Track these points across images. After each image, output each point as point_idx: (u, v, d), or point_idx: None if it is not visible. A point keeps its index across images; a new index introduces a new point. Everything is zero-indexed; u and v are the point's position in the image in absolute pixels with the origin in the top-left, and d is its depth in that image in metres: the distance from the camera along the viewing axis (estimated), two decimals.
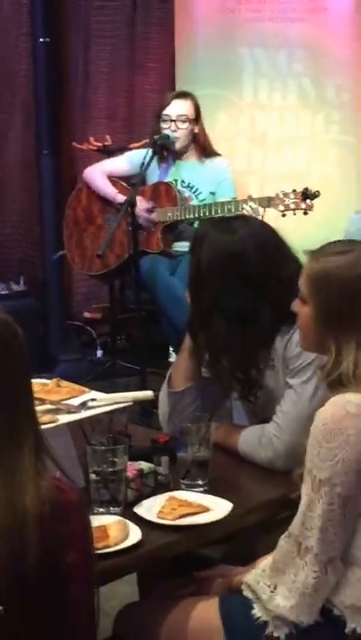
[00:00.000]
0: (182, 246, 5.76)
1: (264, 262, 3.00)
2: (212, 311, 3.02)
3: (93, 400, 2.91)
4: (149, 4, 7.11)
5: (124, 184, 6.01)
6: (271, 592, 2.41)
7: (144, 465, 2.81)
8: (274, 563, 2.42)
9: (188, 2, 6.81)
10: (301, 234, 6.59)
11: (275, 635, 2.40)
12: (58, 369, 6.54)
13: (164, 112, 5.99)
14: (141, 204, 5.81)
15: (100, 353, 6.72)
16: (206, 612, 2.58)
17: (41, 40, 6.91)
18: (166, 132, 5.92)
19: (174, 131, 5.94)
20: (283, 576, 2.39)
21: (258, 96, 6.77)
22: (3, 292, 6.86)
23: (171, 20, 6.88)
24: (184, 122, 5.97)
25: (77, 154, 6.80)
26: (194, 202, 6.00)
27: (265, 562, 2.49)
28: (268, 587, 2.42)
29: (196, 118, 6.04)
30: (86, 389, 3.05)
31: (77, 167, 6.81)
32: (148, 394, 3.05)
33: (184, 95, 6.10)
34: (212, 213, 5.76)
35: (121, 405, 2.91)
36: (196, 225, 5.75)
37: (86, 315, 7.00)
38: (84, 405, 2.87)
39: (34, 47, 6.96)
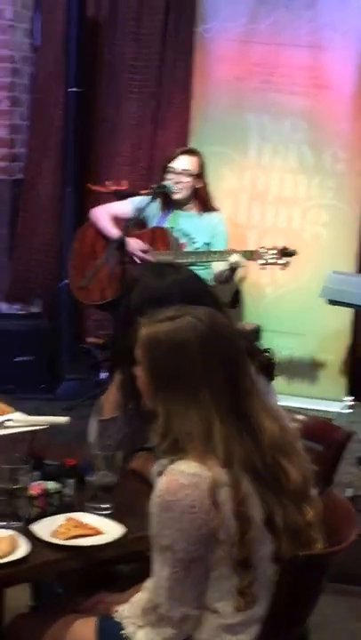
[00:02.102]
0: None
1: None
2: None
3: (10, 421, 2.86)
4: (174, 66, 7.10)
5: None
6: (138, 627, 2.35)
7: (50, 485, 2.74)
8: (142, 607, 2.34)
9: (206, 67, 6.78)
10: (294, 287, 6.58)
11: None
12: (62, 386, 6.57)
13: (170, 164, 5.93)
14: (137, 245, 5.77)
15: (103, 375, 6.68)
16: (85, 629, 2.51)
17: (74, 90, 6.88)
18: (168, 182, 5.86)
19: (177, 183, 5.88)
20: (147, 620, 2.32)
21: (261, 158, 6.73)
22: (20, 312, 6.88)
23: (190, 82, 6.86)
24: (187, 176, 5.90)
25: (99, 194, 6.76)
26: (188, 249, 5.92)
27: (137, 597, 2.41)
28: (134, 624, 2.36)
29: (200, 174, 5.97)
30: (11, 410, 3.00)
31: (96, 205, 6.77)
32: (64, 419, 2.99)
33: (191, 152, 6.05)
34: (202, 260, 5.71)
35: (35, 428, 2.86)
36: None
37: (90, 340, 6.97)
38: (0, 425, 2.83)
39: (66, 96, 6.94)
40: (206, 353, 2.33)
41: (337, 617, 4.04)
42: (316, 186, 6.68)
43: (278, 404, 3.08)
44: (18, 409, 3.34)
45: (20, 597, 2.96)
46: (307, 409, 6.19)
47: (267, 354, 3.09)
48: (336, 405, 6.51)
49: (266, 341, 6.14)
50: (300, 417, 3.43)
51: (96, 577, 2.85)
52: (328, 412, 6.37)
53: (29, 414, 3.13)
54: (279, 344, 6.52)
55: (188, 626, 2.28)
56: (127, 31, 7.18)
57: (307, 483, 2.39)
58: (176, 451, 2.30)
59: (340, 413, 6.41)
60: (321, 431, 3.39)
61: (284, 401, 5.89)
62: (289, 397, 6.20)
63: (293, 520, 2.31)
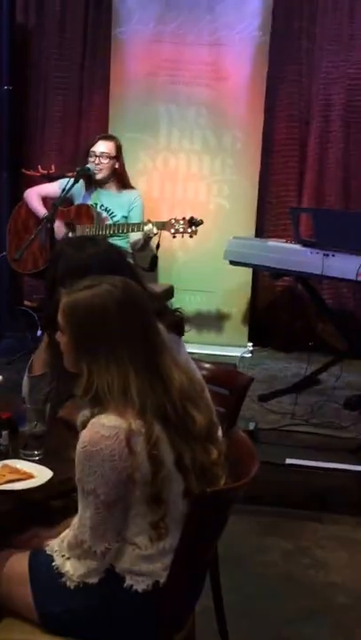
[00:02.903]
0: None
1: None
2: None
3: None
4: (93, 65, 6.89)
5: None
6: (66, 559, 2.25)
7: None
8: (68, 542, 2.24)
9: (121, 65, 6.59)
10: (202, 251, 6.47)
11: (67, 584, 2.23)
12: (2, 343, 6.36)
13: (92, 149, 5.78)
14: (61, 232, 5.58)
15: (39, 333, 6.49)
16: (19, 562, 2.38)
17: (5, 88, 6.62)
18: (90, 165, 5.70)
19: (97, 164, 5.72)
20: (73, 554, 2.23)
21: (170, 141, 6.58)
22: None
23: (108, 78, 6.67)
24: (106, 158, 5.73)
25: (30, 177, 6.53)
26: (109, 222, 5.75)
27: (65, 533, 2.30)
28: (63, 556, 2.26)
29: (117, 156, 5.80)
30: None
31: (29, 187, 6.55)
32: None
33: (108, 137, 5.89)
34: (120, 231, 5.58)
35: None
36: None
37: (27, 303, 6.78)
38: None
39: (0, 93, 6.66)
40: (122, 316, 2.21)
41: (245, 533, 3.99)
42: (218, 164, 6.57)
43: (188, 353, 2.98)
44: None
45: None
46: (215, 354, 6.20)
47: (177, 313, 2.95)
48: (239, 351, 6.47)
49: (178, 299, 6.09)
50: (208, 365, 3.30)
51: (32, 513, 2.71)
52: (233, 356, 6.32)
53: None
54: (190, 300, 6.50)
55: (109, 557, 2.20)
56: (52, 35, 6.96)
57: (212, 426, 2.30)
58: (97, 403, 2.20)
59: (242, 357, 6.36)
60: (226, 377, 3.27)
61: (195, 349, 5.95)
62: (199, 345, 6.21)
63: (200, 460, 2.22)
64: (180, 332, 2.92)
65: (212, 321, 6.63)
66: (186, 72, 6.48)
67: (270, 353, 6.61)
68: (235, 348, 6.52)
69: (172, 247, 6.43)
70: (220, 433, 2.41)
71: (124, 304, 2.22)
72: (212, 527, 2.28)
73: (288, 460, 4.49)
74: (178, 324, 2.91)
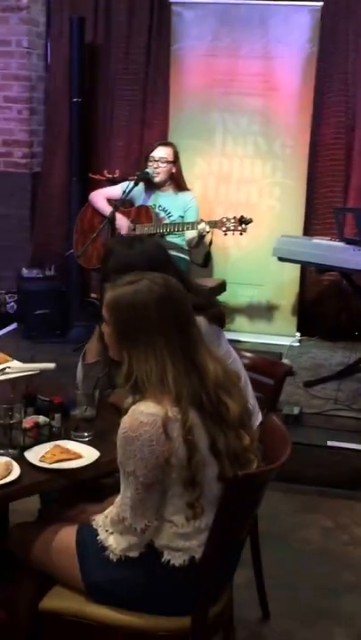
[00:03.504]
0: None
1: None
2: None
3: (9, 368, 2.65)
4: (155, 78, 6.80)
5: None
6: (110, 534, 2.21)
7: (41, 418, 2.57)
8: (112, 518, 2.20)
9: (180, 78, 6.49)
10: (254, 248, 6.38)
11: (110, 557, 2.20)
12: (72, 331, 6.37)
13: (151, 154, 5.71)
14: (125, 223, 5.55)
15: None
16: (68, 534, 2.36)
17: (75, 100, 6.60)
18: (149, 169, 5.63)
19: (156, 168, 5.65)
20: (116, 529, 2.19)
21: (225, 147, 6.45)
22: (39, 276, 6.67)
23: (168, 90, 6.59)
24: (164, 162, 5.66)
25: (97, 181, 6.50)
26: (166, 221, 5.68)
27: (109, 509, 2.25)
28: (107, 531, 2.22)
29: (175, 161, 5.73)
30: (9, 358, 2.79)
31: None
32: (52, 365, 2.79)
33: (166, 144, 5.81)
34: (176, 230, 5.51)
35: (28, 373, 2.66)
36: (166, 237, 5.51)
37: (93, 295, 6.76)
38: (1, 372, 2.62)
39: (71, 105, 6.65)
40: (161, 310, 2.16)
41: (287, 510, 3.91)
42: (269, 168, 6.42)
43: (235, 342, 2.91)
44: (38, 351, 3.18)
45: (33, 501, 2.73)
46: (265, 343, 6.13)
47: (220, 307, 2.88)
48: (288, 340, 6.34)
49: (232, 291, 6.07)
50: (249, 354, 3.22)
51: (83, 489, 2.67)
52: (282, 345, 6.21)
53: (47, 354, 2.96)
54: (243, 293, 6.42)
55: (149, 534, 2.15)
56: (118, 52, 6.89)
57: (245, 414, 2.23)
58: (137, 390, 2.15)
59: (291, 346, 6.24)
60: (267, 367, 3.20)
61: (247, 338, 5.88)
62: (251, 335, 6.18)
63: (233, 445, 2.16)
64: (222, 325, 2.85)
65: (263, 312, 6.52)
66: (239, 83, 6.35)
67: (317, 342, 6.48)
68: (284, 337, 6.40)
69: (225, 245, 6.35)
70: (259, 419, 2.33)
71: (163, 299, 2.17)
72: (244, 508, 2.21)
73: (330, 443, 4.39)
74: (220, 316, 2.84)
